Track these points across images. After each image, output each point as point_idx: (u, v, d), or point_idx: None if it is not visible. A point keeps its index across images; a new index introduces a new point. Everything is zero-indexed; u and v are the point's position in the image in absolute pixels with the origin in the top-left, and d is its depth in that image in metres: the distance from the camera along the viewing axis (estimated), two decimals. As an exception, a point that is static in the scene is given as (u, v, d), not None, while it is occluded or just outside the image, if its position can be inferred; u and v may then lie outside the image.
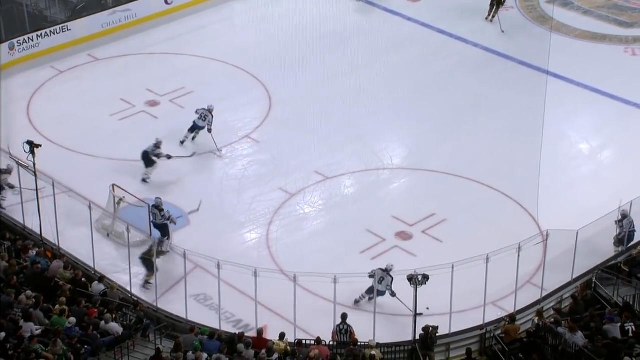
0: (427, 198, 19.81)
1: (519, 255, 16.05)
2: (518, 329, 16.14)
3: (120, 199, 18.43)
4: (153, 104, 22.86)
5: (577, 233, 16.66)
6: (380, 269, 16.71)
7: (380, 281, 16.76)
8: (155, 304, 16.75)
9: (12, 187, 18.72)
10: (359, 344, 15.43)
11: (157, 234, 18.00)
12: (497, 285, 16.56)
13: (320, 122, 22.13)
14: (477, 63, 24.59)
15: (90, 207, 17.31)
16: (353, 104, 22.92)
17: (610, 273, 17.23)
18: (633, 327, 15.52)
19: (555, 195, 19.51)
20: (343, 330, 15.76)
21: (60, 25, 24.80)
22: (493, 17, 24.79)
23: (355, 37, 25.67)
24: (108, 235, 18.40)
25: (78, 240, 17.95)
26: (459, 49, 25.18)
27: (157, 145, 19.92)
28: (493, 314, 16.59)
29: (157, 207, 17.98)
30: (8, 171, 18.85)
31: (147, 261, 17.15)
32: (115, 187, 18.61)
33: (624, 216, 17.98)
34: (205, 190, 19.75)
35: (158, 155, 19.90)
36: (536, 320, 16.10)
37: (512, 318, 16.20)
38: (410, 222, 19.02)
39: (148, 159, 19.92)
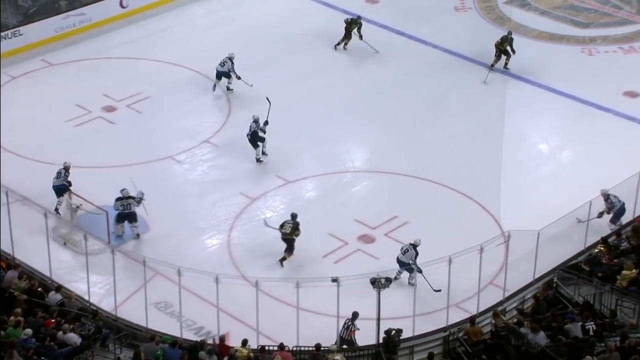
0: (389, 201, 19.76)
1: (481, 257, 16.06)
2: (480, 330, 16.13)
3: (77, 207, 18.15)
4: (110, 109, 22.52)
5: (539, 233, 16.74)
6: (410, 243, 17.15)
7: (405, 252, 16.98)
8: (114, 313, 16.47)
9: None
10: (322, 349, 15.32)
11: (119, 241, 17.80)
12: (460, 287, 16.58)
13: (281, 125, 21.95)
14: (437, 65, 24.61)
15: (45, 215, 16.96)
16: (313, 107, 22.82)
17: (571, 272, 17.32)
18: (594, 326, 15.61)
19: (516, 195, 19.59)
20: (345, 326, 15.81)
21: (12, 30, 24.28)
22: (492, 65, 24.26)
23: (315, 39, 25.57)
24: (65, 243, 18.07)
25: (33, 250, 17.56)
26: (419, 50, 25.20)
27: (256, 120, 20.02)
28: (457, 316, 16.58)
29: (130, 197, 18.03)
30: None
31: (290, 241, 17.47)
32: (71, 194, 18.29)
33: (607, 195, 18.32)
34: (165, 196, 19.48)
35: (263, 130, 20.00)
36: (493, 321, 16.12)
37: (472, 320, 16.19)
38: (373, 225, 18.96)
39: (257, 137, 19.97)
